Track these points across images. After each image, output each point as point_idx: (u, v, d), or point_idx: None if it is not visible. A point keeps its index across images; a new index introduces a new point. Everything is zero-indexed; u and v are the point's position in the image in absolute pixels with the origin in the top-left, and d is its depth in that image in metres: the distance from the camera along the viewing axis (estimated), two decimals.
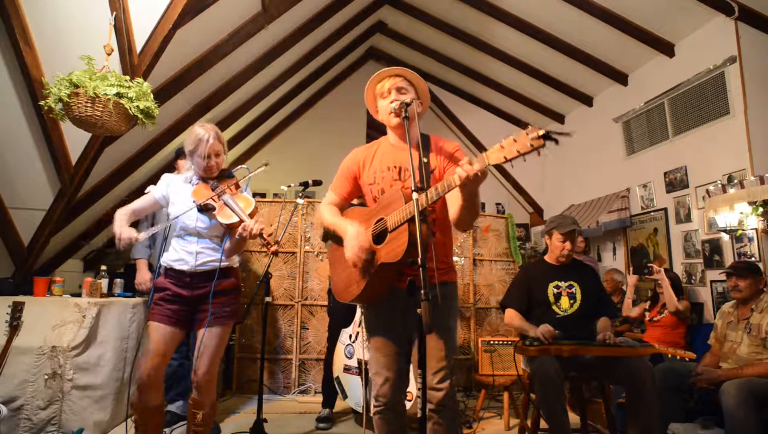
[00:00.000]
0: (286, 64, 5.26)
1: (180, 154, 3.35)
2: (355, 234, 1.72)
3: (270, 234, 2.06)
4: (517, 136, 1.30)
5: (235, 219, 2.07)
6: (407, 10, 5.59)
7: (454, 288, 1.94)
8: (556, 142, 1.25)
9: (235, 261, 2.32)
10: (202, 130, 2.17)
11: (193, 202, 2.13)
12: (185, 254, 2.17)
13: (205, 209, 2.13)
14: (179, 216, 2.14)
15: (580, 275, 2.83)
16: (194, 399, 2.15)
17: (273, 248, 2.06)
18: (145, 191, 2.28)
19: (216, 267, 2.16)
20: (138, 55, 3.04)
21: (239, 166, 2.43)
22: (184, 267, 2.16)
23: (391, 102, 1.80)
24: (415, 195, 1.50)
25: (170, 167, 4.22)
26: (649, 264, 3.70)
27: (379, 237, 1.74)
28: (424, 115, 1.94)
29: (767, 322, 2.63)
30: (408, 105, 1.69)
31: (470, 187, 1.48)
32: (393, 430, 1.85)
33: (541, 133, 1.24)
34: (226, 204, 2.12)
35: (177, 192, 2.24)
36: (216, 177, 2.25)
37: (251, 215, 2.10)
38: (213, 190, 2.18)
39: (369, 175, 1.92)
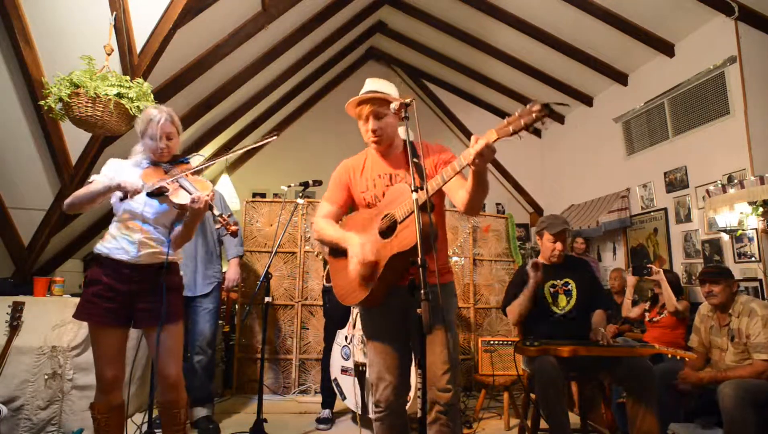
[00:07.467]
0: (286, 64, 5.27)
1: None
2: (359, 250, 1.71)
3: (230, 215, 2.00)
4: (521, 111, 1.39)
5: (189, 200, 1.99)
6: (407, 10, 5.59)
7: (453, 288, 1.96)
8: (554, 115, 1.33)
9: (180, 256, 2.22)
10: (155, 111, 2.07)
11: (143, 184, 1.99)
12: (126, 243, 1.99)
13: (157, 193, 1.97)
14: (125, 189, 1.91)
15: (574, 271, 2.83)
16: (170, 401, 2.06)
17: (232, 228, 2.01)
18: (89, 180, 2.05)
19: (162, 261, 2.02)
20: (138, 55, 3.04)
21: (194, 154, 2.31)
22: (124, 257, 1.98)
23: (369, 130, 1.84)
24: (414, 195, 1.52)
25: None
26: (648, 265, 3.69)
27: (389, 230, 1.74)
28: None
29: (746, 325, 2.64)
30: (408, 105, 1.69)
31: (481, 165, 1.51)
32: None
33: (544, 103, 1.35)
34: (181, 186, 2.02)
35: (125, 176, 2.01)
36: (169, 161, 2.13)
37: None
38: (166, 173, 2.06)
39: (362, 183, 1.93)
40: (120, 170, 2.05)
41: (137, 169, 2.09)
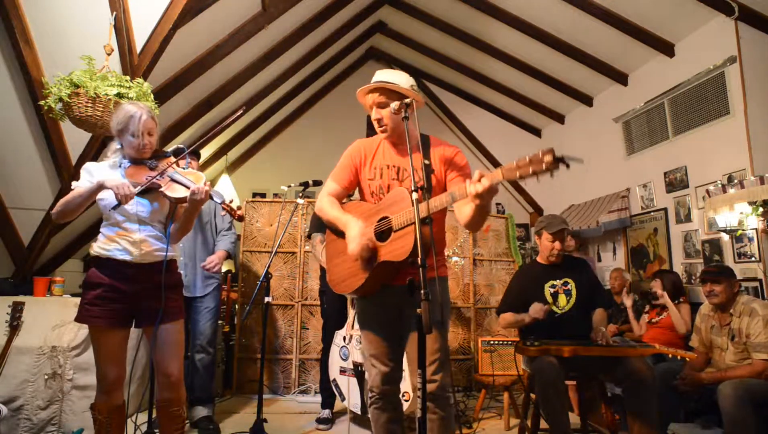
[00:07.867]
0: (286, 64, 5.27)
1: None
2: (358, 233, 1.74)
3: (231, 201, 2.02)
4: (532, 157, 1.38)
5: (187, 193, 1.97)
6: (407, 10, 5.59)
7: (447, 283, 2.01)
8: (567, 166, 1.35)
9: (178, 253, 2.21)
10: (134, 107, 2.02)
11: (134, 188, 1.94)
12: (127, 244, 1.97)
13: (149, 190, 1.96)
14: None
15: (573, 270, 2.84)
16: (170, 400, 2.04)
17: (238, 213, 2.02)
18: (72, 187, 2.01)
19: (162, 258, 2.01)
20: (138, 55, 3.05)
21: (176, 145, 2.24)
22: (127, 258, 1.96)
23: (375, 119, 1.89)
24: (414, 195, 1.53)
25: None
26: (653, 290, 3.68)
27: (383, 235, 1.76)
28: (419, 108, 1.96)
29: (746, 325, 2.65)
30: (408, 105, 1.70)
31: (484, 201, 1.53)
32: (389, 419, 1.88)
33: (557, 156, 1.34)
34: (173, 179, 2.00)
35: (106, 178, 1.97)
36: (151, 157, 2.09)
37: None
38: (152, 170, 2.02)
39: (370, 170, 1.95)
40: (99, 174, 2.00)
41: (117, 170, 2.04)
